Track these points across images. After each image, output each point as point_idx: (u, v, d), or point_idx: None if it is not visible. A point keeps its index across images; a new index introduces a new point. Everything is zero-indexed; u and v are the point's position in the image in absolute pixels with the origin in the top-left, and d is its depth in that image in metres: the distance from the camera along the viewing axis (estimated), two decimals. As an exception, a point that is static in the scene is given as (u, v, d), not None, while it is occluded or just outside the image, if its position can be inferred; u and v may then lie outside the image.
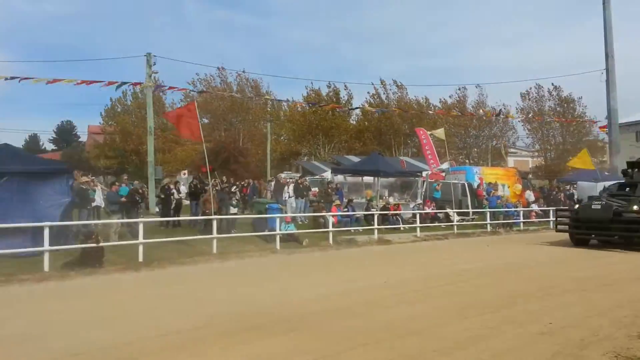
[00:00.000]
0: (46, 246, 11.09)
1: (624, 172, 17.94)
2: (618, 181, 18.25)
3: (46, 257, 11.03)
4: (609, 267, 12.45)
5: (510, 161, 51.56)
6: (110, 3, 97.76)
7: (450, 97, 50.45)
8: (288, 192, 21.40)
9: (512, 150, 54.74)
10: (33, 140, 74.84)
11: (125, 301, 8.44)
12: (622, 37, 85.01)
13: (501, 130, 49.67)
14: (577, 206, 16.95)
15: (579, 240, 16.59)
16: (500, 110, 41.73)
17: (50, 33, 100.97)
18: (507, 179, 29.29)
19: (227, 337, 6.37)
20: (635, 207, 14.94)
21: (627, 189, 16.78)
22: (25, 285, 9.68)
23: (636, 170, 17.52)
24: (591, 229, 15.96)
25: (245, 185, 24.03)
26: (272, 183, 25.56)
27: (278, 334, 6.52)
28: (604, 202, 15.60)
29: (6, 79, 20.05)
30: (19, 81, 20.09)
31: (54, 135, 77.06)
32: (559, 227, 17.45)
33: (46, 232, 11.15)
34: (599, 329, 6.77)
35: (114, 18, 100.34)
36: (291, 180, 23.88)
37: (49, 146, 76.09)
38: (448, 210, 22.48)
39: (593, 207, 15.69)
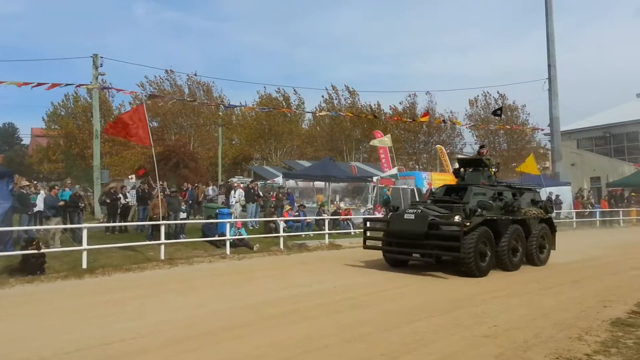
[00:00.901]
0: (-17, 253, 10.59)
1: (455, 172, 14.45)
2: (446, 184, 14.72)
3: (-17, 264, 10.54)
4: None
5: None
6: (55, 2, 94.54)
7: (400, 103, 51.39)
8: (234, 197, 21.18)
9: (460, 156, 56.16)
10: (-29, 143, 71.42)
11: (67, 309, 8.16)
12: (564, 47, 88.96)
13: (449, 136, 50.94)
14: (390, 214, 13.06)
15: (393, 260, 12.77)
16: (444, 120, 42.74)
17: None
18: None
19: (172, 345, 6.26)
20: (457, 218, 11.36)
21: (455, 193, 13.08)
22: (-41, 295, 9.21)
23: (470, 169, 14.08)
24: (404, 245, 12.08)
25: (184, 189, 23.67)
26: (212, 188, 25.23)
27: (227, 340, 6.46)
28: (419, 211, 11.99)
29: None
30: None
31: (-6, 138, 73.74)
32: (368, 242, 13.29)
33: (-17, 238, 10.65)
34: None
35: (60, 18, 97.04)
36: (237, 185, 23.69)
37: (-11, 149, 72.77)
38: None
39: (406, 217, 11.97)
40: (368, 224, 14.67)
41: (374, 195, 24.52)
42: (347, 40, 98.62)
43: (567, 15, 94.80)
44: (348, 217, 21.18)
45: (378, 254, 13.37)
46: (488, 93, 50.20)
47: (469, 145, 54.22)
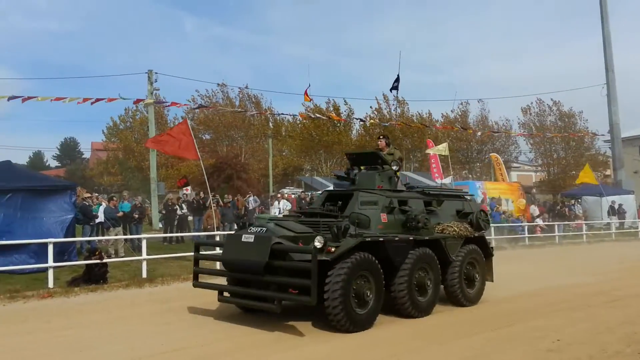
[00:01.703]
0: (50, 262, 11.07)
1: (346, 174, 9.89)
2: (328, 189, 11.02)
3: (50, 273, 11.01)
4: None
5: (514, 176, 51.55)
6: (110, 22, 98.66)
7: (452, 111, 50.61)
8: (279, 207, 21.31)
9: (514, 164, 54.78)
10: (37, 157, 75.03)
11: (129, 318, 8.40)
12: (623, 51, 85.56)
13: (503, 145, 49.74)
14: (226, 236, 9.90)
15: (239, 306, 8.62)
16: (498, 129, 41.96)
17: (53, 51, 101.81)
18: (510, 194, 29.19)
19: (237, 352, 6.33)
20: (317, 241, 7.24)
21: (337, 202, 9.07)
22: (30, 302, 9.64)
23: (362, 168, 9.86)
24: (242, 283, 8.08)
25: (227, 201, 23.99)
26: (253, 199, 25.45)
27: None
28: (262, 230, 7.81)
29: (8, 99, 19.92)
30: (22, 101, 20.01)
31: (58, 152, 77.27)
32: (198, 281, 8.91)
33: (50, 248, 11.13)
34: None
35: (115, 36, 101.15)
36: (280, 195, 23.87)
37: (53, 163, 76.34)
38: (453, 225, 22.36)
39: (244, 239, 7.79)
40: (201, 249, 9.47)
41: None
42: (394, 50, 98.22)
43: (628, 15, 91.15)
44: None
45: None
46: (541, 100, 48.77)
47: (524, 154, 52.87)
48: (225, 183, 35.93)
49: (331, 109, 51.50)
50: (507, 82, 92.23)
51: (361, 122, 46.96)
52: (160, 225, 20.72)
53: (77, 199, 14.96)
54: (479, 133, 40.88)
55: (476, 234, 9.76)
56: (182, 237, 17.98)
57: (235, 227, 18.27)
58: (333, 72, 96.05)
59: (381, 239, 7.96)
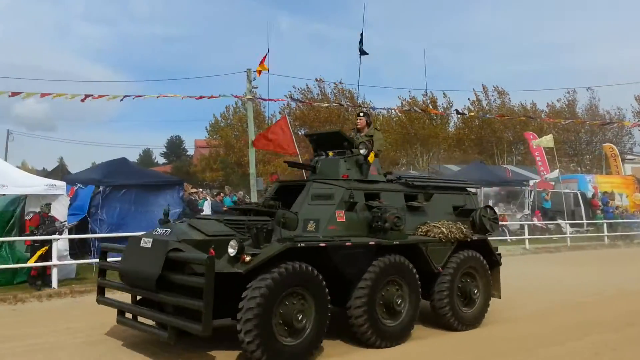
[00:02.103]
0: (161, 254, 11.70)
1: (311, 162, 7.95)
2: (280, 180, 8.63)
3: (161, 264, 11.60)
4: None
5: (628, 168, 47.75)
6: (209, 24, 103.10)
7: (558, 100, 47.69)
8: None
9: (629, 156, 50.73)
10: (146, 154, 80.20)
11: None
12: None
13: (616, 135, 46.18)
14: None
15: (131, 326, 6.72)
16: (610, 119, 39.02)
17: (158, 54, 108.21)
18: (625, 188, 27.08)
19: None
20: (230, 250, 5.77)
21: (288, 196, 7.40)
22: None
23: (331, 154, 7.72)
24: (144, 300, 6.47)
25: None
26: None
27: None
28: (163, 232, 6.28)
29: (121, 99, 21.72)
30: (133, 98, 21.72)
31: (165, 150, 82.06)
32: (103, 296, 7.15)
33: (161, 240, 11.77)
34: None
35: (215, 38, 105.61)
36: None
37: (160, 160, 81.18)
38: (560, 221, 21.16)
39: (142, 244, 6.32)
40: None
41: (532, 200, 22.98)
42: (492, 39, 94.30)
43: None
44: (503, 223, 20.09)
45: (541, 261, 12.43)
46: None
47: (639, 145, 48.78)
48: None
49: (428, 101, 50.50)
50: (619, 68, 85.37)
51: (459, 115, 45.55)
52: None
53: (184, 193, 15.74)
54: (588, 124, 38.18)
55: (476, 237, 7.65)
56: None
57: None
58: (429, 64, 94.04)
59: (322, 244, 6.06)
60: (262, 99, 29.23)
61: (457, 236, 7.30)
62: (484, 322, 7.72)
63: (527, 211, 22.06)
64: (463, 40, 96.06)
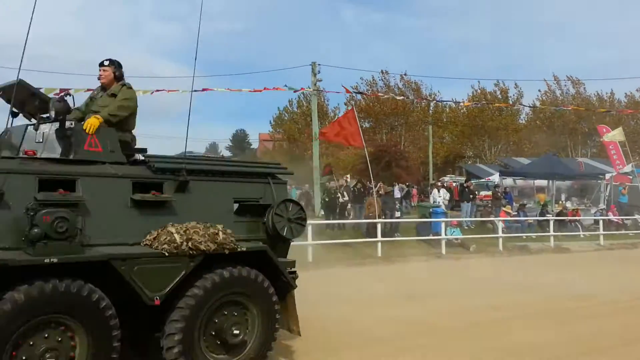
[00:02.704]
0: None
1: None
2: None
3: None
4: None
5: None
6: (273, 19, 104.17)
7: (637, 90, 44.98)
8: (440, 196, 20.78)
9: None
10: (213, 147, 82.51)
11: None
12: None
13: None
14: None
15: None
16: None
17: (225, 49, 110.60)
18: None
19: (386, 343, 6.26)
20: None
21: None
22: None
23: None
24: None
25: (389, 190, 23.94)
26: (398, 188, 24.98)
27: (449, 341, 6.25)
28: None
29: (191, 91, 22.62)
30: (202, 90, 22.58)
31: (230, 143, 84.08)
32: None
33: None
34: None
35: (280, 32, 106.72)
36: (440, 184, 23.33)
37: (226, 153, 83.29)
38: (637, 216, 20.02)
39: None
40: None
41: (607, 194, 21.85)
42: (563, 24, 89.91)
43: None
44: (576, 217, 19.23)
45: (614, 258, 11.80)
46: None
47: None
48: (385, 171, 36.06)
49: (498, 92, 48.99)
50: None
51: (530, 108, 43.96)
52: (322, 213, 21.38)
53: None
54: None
55: (245, 248, 4.93)
56: (343, 224, 18.40)
57: (398, 214, 18.18)
58: (499, 53, 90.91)
59: None
60: (328, 91, 29.38)
61: (203, 246, 4.60)
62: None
63: (602, 205, 21.01)
64: (534, 27, 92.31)
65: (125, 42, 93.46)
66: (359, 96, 43.55)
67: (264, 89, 22.22)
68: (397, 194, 23.81)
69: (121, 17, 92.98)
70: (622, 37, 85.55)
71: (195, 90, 23.07)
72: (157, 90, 21.04)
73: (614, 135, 24.20)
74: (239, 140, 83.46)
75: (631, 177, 23.92)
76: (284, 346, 5.91)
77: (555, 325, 7.09)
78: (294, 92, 27.76)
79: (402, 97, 41.35)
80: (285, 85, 24.58)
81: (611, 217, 19.70)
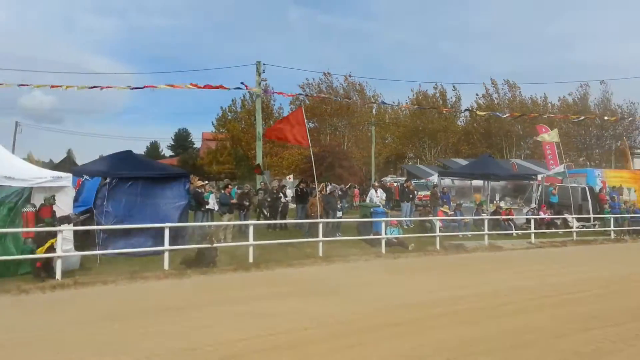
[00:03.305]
0: (166, 246, 11.79)
1: None
2: None
3: (166, 256, 11.72)
4: None
5: (637, 163, 47.32)
6: (218, 16, 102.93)
7: (570, 94, 47.29)
8: (378, 196, 21.16)
9: (638, 151, 50.29)
10: (153, 147, 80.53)
11: (237, 300, 8.73)
12: None
13: (627, 129, 45.76)
14: None
15: None
16: (624, 116, 39.17)
17: (165, 46, 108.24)
18: (633, 183, 26.87)
19: (335, 339, 6.37)
20: None
21: None
22: (148, 282, 10.35)
23: None
24: None
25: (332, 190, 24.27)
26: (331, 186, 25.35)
27: (386, 338, 6.41)
28: None
29: (129, 88, 21.96)
30: (143, 87, 22.02)
31: (172, 142, 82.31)
32: None
33: (167, 232, 11.84)
34: None
35: (223, 30, 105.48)
36: (377, 184, 23.79)
37: (167, 152, 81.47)
38: (566, 215, 21.06)
39: None
40: None
41: (539, 194, 22.88)
42: (498, 30, 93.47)
43: None
44: (509, 217, 20.03)
45: (543, 256, 12.41)
46: (674, 79, 44.05)
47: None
48: (328, 171, 36.38)
49: (438, 95, 50.36)
50: (632, 62, 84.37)
51: (468, 111, 45.38)
52: (265, 212, 21.35)
53: (190, 186, 15.80)
54: (606, 118, 37.95)
55: None
56: (285, 224, 18.43)
57: (340, 214, 18.36)
58: (435, 56, 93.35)
59: None
60: (276, 92, 29.19)
61: None
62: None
63: (533, 205, 21.96)
64: (471, 33, 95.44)
65: (61, 37, 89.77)
66: (303, 96, 43.68)
67: (207, 86, 21.87)
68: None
69: (53, 8, 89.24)
70: (558, 43, 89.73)
71: (136, 87, 22.54)
72: (93, 87, 20.41)
73: (550, 137, 25.28)
74: (181, 139, 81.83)
75: (562, 177, 25.13)
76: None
77: (486, 319, 7.39)
78: (248, 89, 27.32)
79: (339, 99, 41.77)
80: (242, 83, 24.32)
81: (543, 215, 20.60)
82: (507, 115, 38.65)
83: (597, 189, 24.41)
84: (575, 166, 37.03)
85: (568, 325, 7.03)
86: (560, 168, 25.33)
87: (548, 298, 8.98)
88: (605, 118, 38.62)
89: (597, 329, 6.89)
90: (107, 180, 13.32)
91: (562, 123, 44.75)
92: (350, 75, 49.15)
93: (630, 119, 40.87)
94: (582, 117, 36.26)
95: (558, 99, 48.46)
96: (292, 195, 21.86)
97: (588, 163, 44.20)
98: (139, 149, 75.71)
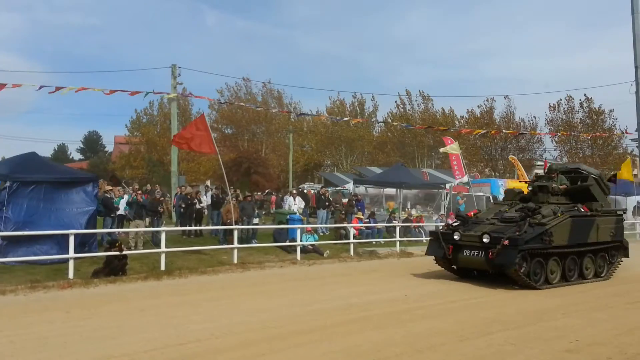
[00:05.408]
0: (71, 254, 11.25)
1: None
2: None
3: (71, 264, 11.18)
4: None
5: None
6: (133, 16, 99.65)
7: (479, 107, 49.88)
8: (295, 203, 21.39)
9: (539, 162, 53.94)
10: (61, 149, 76.28)
11: (146, 309, 8.48)
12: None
13: (528, 142, 48.94)
14: None
15: None
16: (523, 132, 42.28)
17: (76, 45, 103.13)
18: (533, 193, 28.82)
19: (245, 347, 6.35)
20: None
21: None
22: (50, 292, 9.81)
23: None
24: None
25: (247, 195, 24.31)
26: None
27: (297, 344, 6.48)
28: None
29: (37, 88, 20.51)
30: (49, 93, 20.53)
31: (81, 145, 78.40)
32: None
33: (71, 239, 11.31)
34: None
35: (138, 30, 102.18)
36: (295, 191, 24.15)
37: (77, 156, 77.49)
38: (472, 223, 22.24)
39: None
40: None
41: (447, 202, 24.00)
42: (416, 44, 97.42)
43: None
44: (420, 224, 20.84)
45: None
46: (571, 97, 47.59)
47: (548, 152, 51.97)
48: (244, 177, 36.14)
49: (356, 104, 51.53)
50: (534, 78, 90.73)
51: (381, 122, 46.92)
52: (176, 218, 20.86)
53: (99, 191, 15.16)
54: (508, 132, 40.60)
55: None
56: (200, 231, 18.11)
57: (256, 220, 18.27)
58: (355, 67, 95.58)
59: None
60: (193, 96, 28.59)
61: None
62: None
63: (442, 212, 23.01)
64: (389, 45, 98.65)
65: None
66: (222, 101, 43.15)
67: (116, 90, 21.01)
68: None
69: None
70: (469, 57, 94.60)
71: (44, 86, 21.11)
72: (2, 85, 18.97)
73: (452, 148, 26.59)
74: (92, 142, 78.15)
75: (468, 187, 26.51)
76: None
77: (395, 324, 7.65)
78: (157, 93, 26.59)
79: (260, 108, 41.67)
80: (147, 92, 23.57)
81: (449, 222, 21.61)
82: (414, 127, 40.33)
83: (500, 197, 25.93)
84: (481, 176, 39.23)
85: (471, 330, 7.41)
86: (466, 178, 26.72)
87: (454, 303, 9.43)
88: (505, 131, 41.20)
89: (500, 332, 7.31)
90: (7, 184, 12.52)
91: (469, 135, 47.14)
92: (269, 82, 49.15)
93: (525, 132, 43.89)
94: (485, 131, 38.44)
95: (466, 112, 50.98)
96: (207, 201, 21.50)
97: (493, 173, 46.85)
98: (46, 151, 71.62)
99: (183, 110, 43.78)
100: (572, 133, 43.89)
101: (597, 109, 46.77)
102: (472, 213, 13.03)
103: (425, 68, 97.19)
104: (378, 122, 47.85)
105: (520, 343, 6.73)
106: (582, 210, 12.15)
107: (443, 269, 12.53)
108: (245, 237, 16.79)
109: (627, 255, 13.17)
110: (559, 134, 44.03)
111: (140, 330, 7.09)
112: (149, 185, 21.96)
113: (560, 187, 12.76)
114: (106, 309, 8.44)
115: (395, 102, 51.79)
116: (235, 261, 13.76)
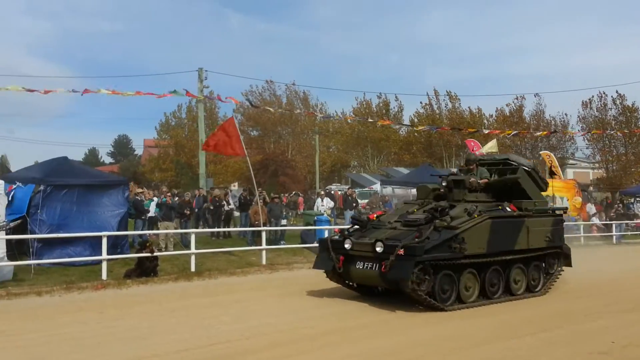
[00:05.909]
0: (104, 255, 11.47)
1: None
2: None
3: (104, 265, 11.40)
4: None
5: (570, 173, 49.72)
6: (159, 21, 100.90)
7: (507, 105, 49.12)
8: (323, 205, 21.40)
9: (571, 161, 52.85)
10: (92, 153, 77.91)
11: (177, 310, 8.58)
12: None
13: (560, 141, 47.97)
14: None
15: None
16: (556, 130, 41.41)
17: (105, 51, 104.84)
18: (566, 192, 28.17)
19: (274, 348, 6.37)
20: None
21: None
22: (84, 293, 10.01)
23: None
24: None
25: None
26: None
27: (325, 345, 6.47)
28: None
29: (70, 92, 21.10)
30: (82, 94, 21.07)
31: (112, 149, 79.91)
32: None
33: (104, 241, 11.53)
34: None
35: (162, 35, 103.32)
36: (323, 192, 24.19)
37: (107, 159, 79.02)
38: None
39: None
40: None
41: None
42: (442, 43, 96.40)
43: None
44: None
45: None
46: (604, 93, 46.42)
47: (581, 150, 50.89)
48: (271, 179, 36.31)
49: (381, 104, 51.31)
50: (565, 76, 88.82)
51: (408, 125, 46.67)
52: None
53: (130, 194, 15.43)
54: (538, 133, 39.93)
55: None
56: (229, 232, 18.27)
57: (284, 222, 18.34)
58: (382, 67, 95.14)
59: None
60: (221, 100, 28.83)
61: None
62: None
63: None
64: (417, 46, 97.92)
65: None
66: (247, 104, 43.47)
67: (145, 93, 21.39)
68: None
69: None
70: (498, 55, 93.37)
71: (75, 92, 21.67)
72: (31, 90, 19.47)
73: (489, 148, 26.24)
74: (122, 146, 79.57)
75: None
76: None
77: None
78: (188, 95, 26.91)
79: (288, 111, 41.86)
80: (176, 90, 23.90)
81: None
82: (444, 128, 39.90)
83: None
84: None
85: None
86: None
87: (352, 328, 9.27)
88: (537, 134, 40.52)
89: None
90: (41, 187, 12.84)
91: (499, 135, 46.43)
92: (293, 84, 49.31)
93: (557, 131, 43.01)
94: (515, 132, 37.84)
95: (495, 110, 50.24)
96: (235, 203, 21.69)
97: (523, 173, 46.08)
98: (77, 155, 73.18)
99: (210, 113, 44.27)
100: (607, 131, 42.73)
101: (630, 106, 45.58)
102: (374, 215, 10.42)
103: (451, 68, 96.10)
104: (404, 125, 47.51)
105: (551, 345, 6.60)
106: (509, 209, 9.74)
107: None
108: (273, 239, 16.88)
109: (569, 264, 10.82)
110: (590, 132, 42.96)
111: (172, 331, 7.18)
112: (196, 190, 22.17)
113: (480, 181, 10.22)
114: (138, 310, 8.57)
115: (421, 102, 51.44)
116: (264, 262, 13.83)
